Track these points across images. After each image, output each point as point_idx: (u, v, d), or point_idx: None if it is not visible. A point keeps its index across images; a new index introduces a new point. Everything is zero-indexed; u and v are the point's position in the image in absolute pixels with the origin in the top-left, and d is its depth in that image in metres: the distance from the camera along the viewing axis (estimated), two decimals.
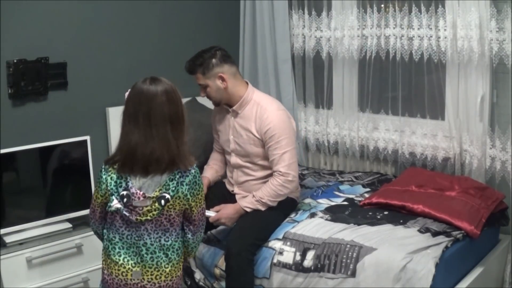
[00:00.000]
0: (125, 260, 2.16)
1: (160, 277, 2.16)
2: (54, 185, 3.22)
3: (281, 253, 2.82)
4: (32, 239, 3.08)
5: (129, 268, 2.15)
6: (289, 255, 2.80)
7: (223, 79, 2.96)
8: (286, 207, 3.06)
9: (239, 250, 2.78)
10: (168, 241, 2.17)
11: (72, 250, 3.14)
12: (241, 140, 3.04)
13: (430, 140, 3.59)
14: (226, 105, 3.08)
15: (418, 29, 3.47)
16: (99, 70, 3.56)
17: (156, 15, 3.88)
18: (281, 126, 2.92)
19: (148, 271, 2.16)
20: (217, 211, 2.91)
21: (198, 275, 3.06)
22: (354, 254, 2.63)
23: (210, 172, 3.29)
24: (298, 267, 2.76)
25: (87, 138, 3.26)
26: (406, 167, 3.67)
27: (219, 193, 3.17)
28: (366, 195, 3.32)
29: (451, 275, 2.68)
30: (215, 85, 2.99)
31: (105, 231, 2.24)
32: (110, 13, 3.60)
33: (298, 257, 2.77)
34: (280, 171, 2.90)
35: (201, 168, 3.53)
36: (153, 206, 2.11)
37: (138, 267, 2.15)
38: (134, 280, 2.15)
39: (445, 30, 3.36)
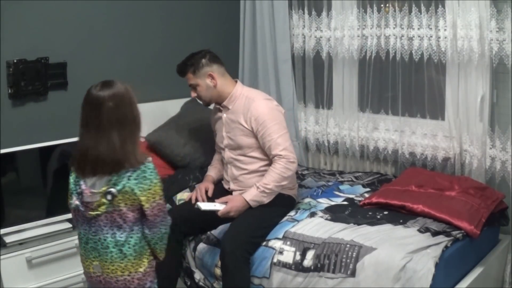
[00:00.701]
0: (88, 253, 2.28)
1: (116, 272, 2.24)
2: (54, 185, 3.22)
3: (281, 252, 2.82)
4: (32, 239, 3.08)
5: (90, 262, 2.28)
6: (289, 254, 2.80)
7: (212, 77, 3.07)
8: (283, 205, 3.06)
9: (233, 248, 2.77)
10: (122, 236, 2.22)
11: (72, 250, 3.14)
12: (232, 133, 3.10)
13: (430, 140, 3.59)
14: (217, 104, 3.18)
15: (418, 29, 3.47)
16: (99, 70, 3.55)
17: (156, 15, 3.88)
18: (269, 112, 3.00)
19: (105, 265, 2.25)
20: (224, 202, 2.92)
21: (198, 275, 3.06)
22: (354, 253, 2.63)
23: (214, 170, 3.36)
24: (298, 266, 2.76)
25: None
26: (406, 167, 3.67)
27: (218, 194, 3.16)
28: (366, 195, 3.32)
29: (451, 275, 2.68)
30: (205, 84, 3.08)
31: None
32: (110, 13, 3.60)
33: (298, 257, 2.77)
34: (280, 154, 2.94)
35: (202, 169, 3.54)
36: (101, 201, 2.20)
37: (97, 261, 2.26)
38: (96, 273, 2.27)
39: (445, 30, 3.36)
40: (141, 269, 2.26)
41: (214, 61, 3.10)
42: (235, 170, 3.14)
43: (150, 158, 2.25)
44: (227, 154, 3.16)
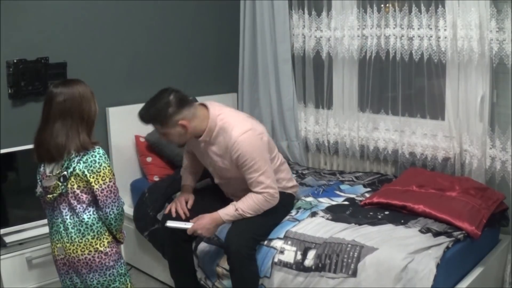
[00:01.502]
0: (52, 237, 2.48)
1: (77, 251, 2.40)
2: None
3: (282, 252, 2.82)
4: (32, 239, 3.08)
5: (55, 245, 2.47)
6: (290, 254, 2.80)
7: (183, 126, 2.78)
8: (284, 204, 3.04)
9: (238, 247, 2.77)
10: (79, 217, 2.40)
11: None
12: (217, 166, 2.98)
13: (430, 140, 3.59)
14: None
15: (418, 29, 3.47)
16: (99, 70, 3.56)
17: (156, 15, 3.88)
18: (249, 150, 2.80)
19: (66, 246, 2.42)
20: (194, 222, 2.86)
21: (199, 274, 3.06)
22: (355, 254, 2.63)
23: (189, 178, 3.23)
24: (299, 266, 2.76)
25: None
26: (406, 167, 3.67)
27: (218, 198, 3.15)
28: (367, 195, 3.32)
29: (451, 275, 2.68)
30: (176, 132, 2.81)
31: None
32: (110, 13, 3.60)
33: (299, 257, 2.77)
34: (259, 192, 2.84)
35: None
36: (56, 184, 2.39)
37: (60, 243, 2.44)
38: (60, 255, 2.46)
39: (445, 30, 3.36)
40: (101, 248, 2.43)
41: (181, 105, 2.77)
42: (230, 189, 3.09)
43: (99, 146, 2.44)
44: (216, 179, 3.10)
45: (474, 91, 3.30)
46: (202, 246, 3.04)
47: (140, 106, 3.74)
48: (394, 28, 3.56)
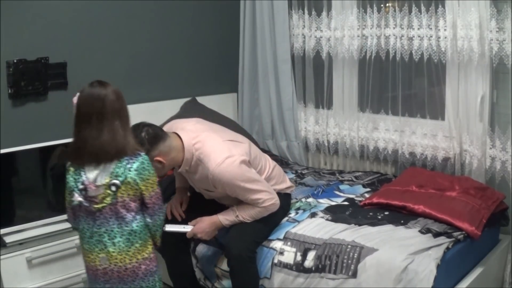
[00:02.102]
0: (92, 247, 2.36)
1: (125, 260, 2.33)
2: (54, 185, 3.22)
3: (281, 253, 2.82)
4: (32, 239, 3.08)
5: (96, 255, 2.35)
6: (289, 255, 2.80)
7: (159, 161, 2.65)
8: (283, 204, 2.98)
9: (239, 250, 2.77)
10: (128, 226, 2.33)
11: (72, 250, 3.15)
12: (204, 189, 2.90)
13: (430, 140, 3.59)
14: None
15: (418, 29, 3.47)
16: (99, 70, 3.55)
17: (156, 15, 3.88)
18: (230, 178, 2.68)
19: (112, 256, 2.33)
20: (194, 225, 2.83)
21: (198, 275, 3.06)
22: (355, 254, 2.63)
23: (184, 179, 3.09)
24: (299, 267, 2.76)
25: None
26: (406, 167, 3.67)
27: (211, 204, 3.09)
28: (366, 195, 3.32)
29: (451, 275, 2.68)
30: (156, 167, 2.60)
31: (78, 224, 2.44)
32: (110, 13, 3.60)
33: (299, 258, 2.77)
34: (259, 207, 2.80)
35: None
36: (106, 193, 2.29)
37: (103, 253, 2.34)
38: (102, 265, 2.35)
39: (445, 30, 3.36)
40: (146, 255, 2.38)
41: (155, 140, 2.63)
42: (225, 201, 2.98)
43: (144, 152, 2.38)
44: (207, 197, 3.00)
45: (474, 91, 3.30)
46: (201, 247, 3.04)
47: (140, 106, 3.74)
48: (394, 28, 3.56)
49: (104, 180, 2.29)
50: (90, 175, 2.31)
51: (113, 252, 2.32)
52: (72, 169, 2.36)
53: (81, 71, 3.43)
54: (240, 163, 2.72)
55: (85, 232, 2.37)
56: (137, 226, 2.34)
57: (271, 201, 2.81)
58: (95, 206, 2.31)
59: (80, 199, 2.32)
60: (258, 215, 2.83)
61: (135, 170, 2.30)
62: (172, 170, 3.61)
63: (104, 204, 2.30)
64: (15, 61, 3.12)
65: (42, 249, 3.05)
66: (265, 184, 2.84)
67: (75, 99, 2.36)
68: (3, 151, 2.99)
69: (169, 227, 2.81)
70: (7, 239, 3.02)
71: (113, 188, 2.28)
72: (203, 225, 2.82)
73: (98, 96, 2.29)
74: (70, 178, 2.36)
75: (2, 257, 2.92)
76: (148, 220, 2.38)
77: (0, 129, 3.09)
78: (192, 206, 3.05)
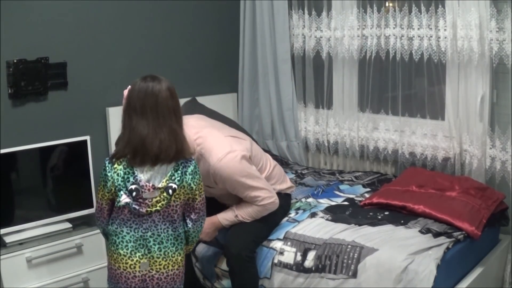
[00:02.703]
0: (133, 252, 2.22)
1: (168, 266, 2.24)
2: (54, 185, 3.22)
3: (281, 253, 2.82)
4: (32, 239, 3.08)
5: (137, 260, 2.21)
6: (290, 255, 2.80)
7: None
8: (282, 204, 2.98)
9: (239, 250, 2.77)
10: (175, 231, 2.26)
11: (72, 250, 3.14)
12: (204, 186, 2.81)
13: (430, 140, 3.59)
14: None
15: (418, 29, 3.47)
16: (99, 70, 3.55)
17: (156, 15, 3.87)
18: (230, 173, 2.70)
19: (156, 261, 2.22)
20: None
21: (198, 274, 3.06)
22: (355, 254, 2.63)
23: None
24: (299, 267, 2.76)
25: (87, 138, 3.26)
26: (406, 167, 3.67)
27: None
28: (366, 195, 3.32)
29: (451, 275, 2.68)
30: None
31: (110, 226, 2.28)
32: (110, 13, 3.59)
33: (299, 257, 2.77)
34: (258, 205, 2.81)
35: None
36: (161, 197, 2.19)
37: (145, 258, 2.22)
38: (142, 271, 2.22)
39: (445, 30, 3.36)
40: (183, 262, 2.33)
41: None
42: (224, 199, 2.98)
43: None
44: (207, 194, 3.02)
45: (474, 91, 3.30)
46: (201, 246, 3.04)
47: None
48: (394, 28, 3.56)
49: (160, 182, 2.19)
50: (143, 175, 2.19)
51: (157, 258, 2.22)
52: (119, 167, 2.20)
53: (81, 71, 3.43)
54: (241, 159, 2.72)
55: (124, 236, 2.22)
56: (182, 231, 2.28)
57: (270, 199, 2.81)
58: (148, 209, 2.18)
59: (128, 200, 2.18)
60: (258, 214, 2.82)
61: (190, 174, 2.23)
62: None
63: (157, 208, 2.19)
64: (15, 61, 3.12)
65: (42, 249, 3.05)
66: (264, 182, 2.83)
67: (125, 92, 2.29)
68: (3, 151, 2.98)
69: None
70: (7, 239, 3.02)
71: (170, 192, 2.19)
72: (204, 226, 2.81)
73: (151, 91, 2.18)
74: (116, 177, 2.19)
75: (2, 257, 2.92)
76: (190, 225, 2.30)
77: (0, 129, 3.09)
78: None
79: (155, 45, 3.89)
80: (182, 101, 3.94)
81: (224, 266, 2.91)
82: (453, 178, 3.30)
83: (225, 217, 2.84)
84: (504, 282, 3.26)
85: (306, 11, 3.99)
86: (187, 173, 2.23)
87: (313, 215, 3.06)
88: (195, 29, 4.12)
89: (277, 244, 2.86)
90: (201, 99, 4.07)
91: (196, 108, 3.86)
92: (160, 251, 2.22)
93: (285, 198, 3.07)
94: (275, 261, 2.82)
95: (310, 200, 3.30)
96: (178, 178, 2.20)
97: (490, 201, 3.03)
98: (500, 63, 3.19)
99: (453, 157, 3.47)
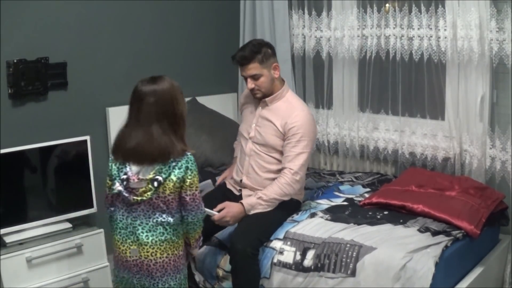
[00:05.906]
0: (124, 239, 2.40)
1: (156, 254, 2.36)
2: (54, 185, 3.22)
3: (281, 252, 2.82)
4: (32, 239, 3.08)
5: (127, 246, 2.38)
6: (289, 254, 2.80)
7: (276, 69, 3.02)
8: (290, 209, 3.06)
9: (244, 245, 2.78)
10: (164, 221, 2.36)
11: (72, 250, 3.14)
12: (263, 129, 3.07)
13: (430, 140, 3.59)
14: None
15: (418, 29, 3.47)
16: (99, 70, 3.56)
17: (156, 15, 3.88)
18: (307, 127, 2.97)
19: (144, 248, 2.35)
20: (219, 210, 2.86)
21: (197, 277, 3.05)
22: (354, 253, 2.63)
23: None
24: (298, 266, 2.76)
25: (87, 138, 3.26)
26: (406, 167, 3.67)
27: (220, 195, 3.14)
28: (366, 195, 3.32)
29: (451, 274, 2.68)
30: (270, 75, 3.01)
31: (111, 213, 2.47)
32: (110, 13, 3.60)
33: (298, 257, 2.77)
34: (292, 169, 2.92)
35: (202, 168, 3.54)
36: (147, 187, 2.33)
37: (135, 245, 2.37)
38: (132, 257, 2.38)
39: (445, 30, 3.36)
40: (177, 252, 2.42)
41: (274, 53, 3.06)
42: (253, 163, 3.10)
43: (192, 151, 2.41)
44: (249, 145, 3.12)
45: (474, 91, 3.30)
46: (202, 249, 3.02)
47: None
48: (394, 28, 3.56)
49: (147, 174, 2.33)
50: (134, 168, 2.36)
51: (145, 245, 2.34)
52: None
53: (81, 71, 3.44)
54: (317, 130, 3.09)
55: (119, 223, 2.40)
56: (173, 221, 2.37)
57: (298, 176, 2.94)
58: (135, 198, 2.34)
59: (120, 188, 2.36)
60: (281, 192, 2.92)
61: (179, 169, 2.33)
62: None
63: (143, 198, 2.33)
64: (15, 61, 3.12)
65: (42, 249, 3.05)
66: (307, 163, 3.02)
67: None
68: (3, 151, 2.99)
69: None
70: (7, 239, 3.02)
71: (155, 184, 2.31)
72: (234, 209, 2.88)
73: (138, 95, 2.35)
74: (114, 167, 2.41)
75: (2, 257, 2.92)
76: (189, 218, 2.41)
77: (0, 129, 3.09)
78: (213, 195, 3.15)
79: (155, 45, 3.89)
80: None
81: (226, 266, 2.90)
82: (453, 178, 3.30)
83: (248, 201, 2.92)
84: (504, 282, 3.26)
85: (306, 11, 3.99)
86: (176, 168, 2.33)
87: (312, 215, 3.06)
88: (195, 29, 4.12)
89: (277, 244, 2.86)
90: (201, 99, 4.07)
91: (196, 108, 3.87)
92: (148, 239, 2.35)
93: (294, 204, 3.12)
94: (275, 260, 2.82)
95: (309, 202, 3.30)
96: (165, 171, 2.32)
97: (489, 200, 3.03)
98: (500, 63, 3.19)
99: (453, 157, 3.47)
